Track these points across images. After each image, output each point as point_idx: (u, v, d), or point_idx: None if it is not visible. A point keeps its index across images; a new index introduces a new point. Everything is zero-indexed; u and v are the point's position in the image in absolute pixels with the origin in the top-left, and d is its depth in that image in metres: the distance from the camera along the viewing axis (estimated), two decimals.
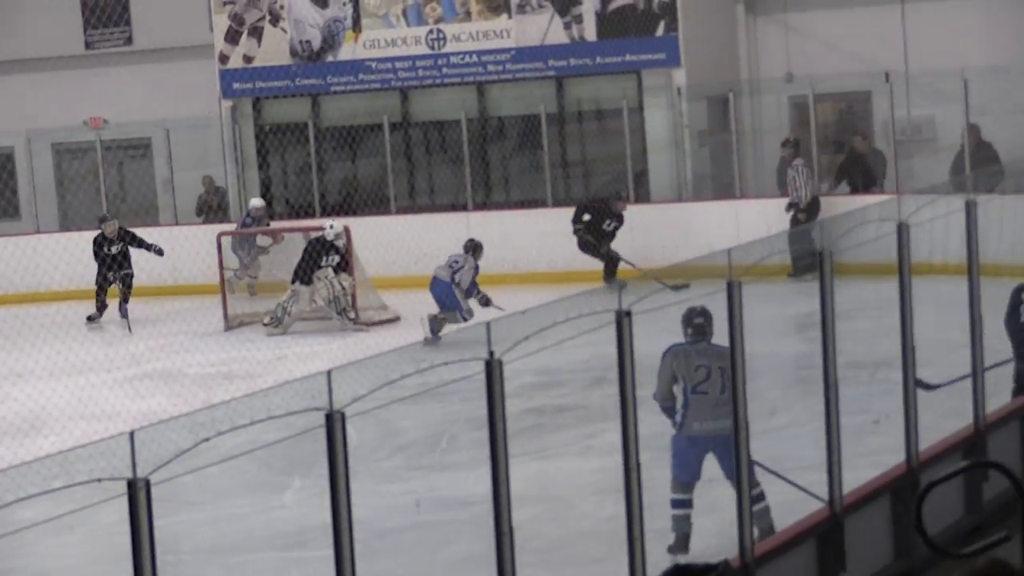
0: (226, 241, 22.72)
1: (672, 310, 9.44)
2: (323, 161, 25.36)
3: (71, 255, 23.00)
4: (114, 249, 22.34)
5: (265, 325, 20.87)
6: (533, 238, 22.81)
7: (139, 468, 6.12)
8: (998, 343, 11.79)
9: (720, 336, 9.85)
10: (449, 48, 24.61)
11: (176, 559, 11.26)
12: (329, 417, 6.73)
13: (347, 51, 25.01)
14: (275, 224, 23.99)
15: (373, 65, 24.95)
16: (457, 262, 19.42)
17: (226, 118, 25.59)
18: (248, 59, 25.42)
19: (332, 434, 6.74)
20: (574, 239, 22.18)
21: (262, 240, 23.59)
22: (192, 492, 11.80)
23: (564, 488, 12.76)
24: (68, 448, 7.07)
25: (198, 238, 23.38)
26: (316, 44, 25.12)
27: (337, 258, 20.92)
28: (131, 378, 18.40)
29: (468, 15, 24.51)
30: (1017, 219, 11.72)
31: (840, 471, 9.53)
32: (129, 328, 21.53)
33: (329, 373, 6.72)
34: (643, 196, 23.65)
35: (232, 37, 25.44)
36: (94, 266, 22.39)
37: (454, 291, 19.14)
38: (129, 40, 27.68)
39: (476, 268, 19.42)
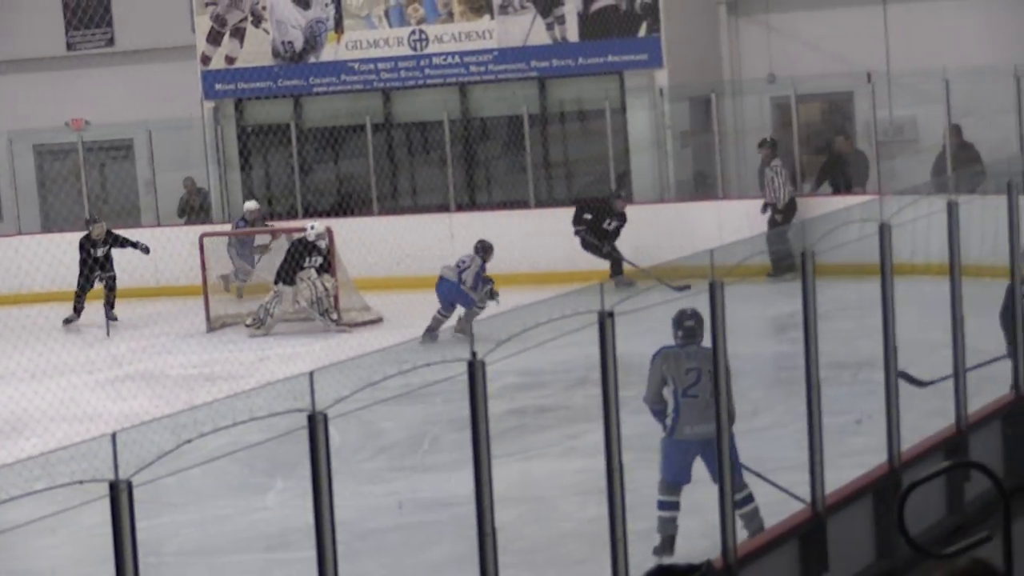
0: (213, 243, 22.62)
1: (656, 310, 9.43)
2: (305, 162, 25.31)
3: (53, 257, 22.90)
4: (99, 252, 22.28)
5: (247, 326, 20.84)
6: (516, 239, 22.75)
7: (121, 470, 6.11)
8: (980, 343, 11.81)
9: (706, 338, 9.84)
10: (431, 49, 24.59)
11: (159, 561, 11.26)
12: (311, 418, 6.72)
13: (329, 52, 24.98)
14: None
15: (355, 66, 24.92)
16: (464, 262, 19.42)
17: (208, 119, 25.55)
18: (230, 60, 25.38)
19: (314, 435, 6.73)
20: (572, 240, 22.08)
21: (261, 239, 23.48)
22: (174, 494, 11.79)
23: (547, 489, 12.75)
24: (50, 450, 7.06)
25: (180, 239, 23.30)
26: (298, 45, 25.09)
27: (319, 259, 20.89)
28: (113, 380, 18.37)
29: (450, 16, 24.50)
30: (999, 220, 11.72)
31: (822, 471, 9.55)
32: (108, 332, 21.48)
33: (311, 374, 6.72)
34: (626, 197, 23.62)
35: (214, 38, 25.39)
36: (76, 268, 22.33)
37: (460, 289, 19.12)
38: (111, 41, 27.66)
39: (482, 267, 19.40)
